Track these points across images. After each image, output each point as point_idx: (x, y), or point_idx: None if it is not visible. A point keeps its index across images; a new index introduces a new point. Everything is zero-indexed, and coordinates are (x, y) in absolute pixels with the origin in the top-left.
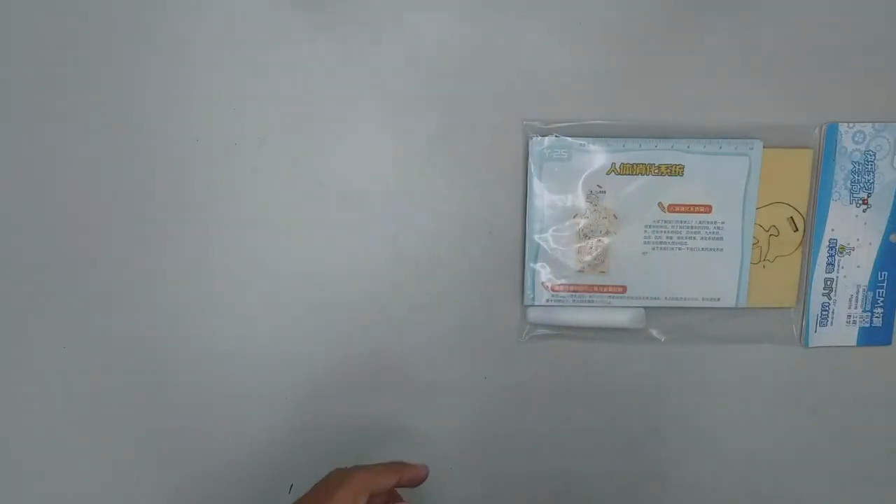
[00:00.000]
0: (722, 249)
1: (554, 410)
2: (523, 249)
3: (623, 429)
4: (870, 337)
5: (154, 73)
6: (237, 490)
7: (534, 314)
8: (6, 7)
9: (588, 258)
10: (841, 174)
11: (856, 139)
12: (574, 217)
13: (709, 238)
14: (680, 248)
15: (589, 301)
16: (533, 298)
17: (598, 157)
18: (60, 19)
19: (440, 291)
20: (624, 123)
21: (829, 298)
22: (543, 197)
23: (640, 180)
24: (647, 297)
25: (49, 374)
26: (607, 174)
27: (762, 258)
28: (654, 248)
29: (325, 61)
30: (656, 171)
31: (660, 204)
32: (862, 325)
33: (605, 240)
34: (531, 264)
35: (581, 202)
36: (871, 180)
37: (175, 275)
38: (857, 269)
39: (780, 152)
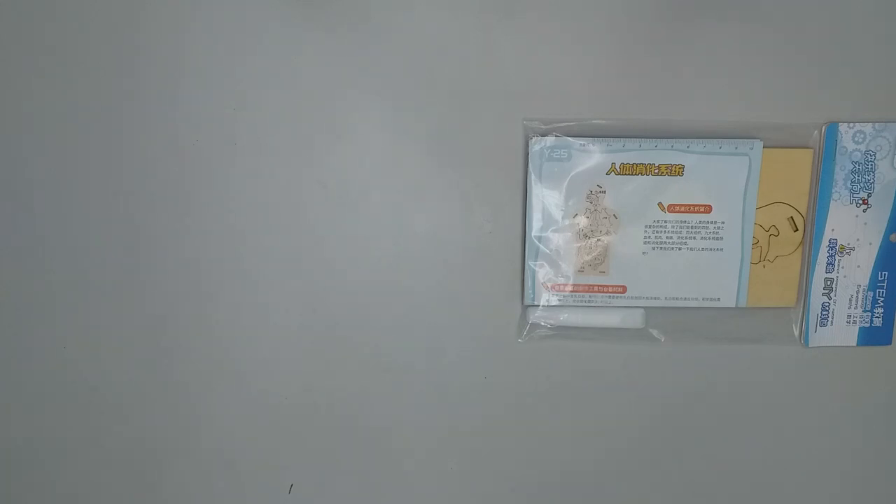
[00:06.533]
0: (722, 249)
1: (554, 410)
2: (523, 249)
3: (623, 429)
4: (870, 337)
5: (153, 73)
6: (237, 490)
7: (534, 314)
8: (6, 8)
9: (588, 258)
10: (841, 174)
11: (856, 139)
12: (574, 217)
13: (709, 238)
14: (680, 248)
15: (589, 301)
16: (533, 298)
17: (598, 157)
18: (59, 20)
19: (440, 291)
20: (624, 123)
21: (829, 298)
22: (543, 197)
23: (640, 180)
24: (647, 297)
25: (49, 374)
26: (607, 174)
27: (762, 258)
28: (654, 248)
29: (325, 61)
30: (656, 171)
31: (660, 204)
32: (862, 325)
33: (605, 240)
34: (531, 264)
35: (581, 202)
36: (872, 180)
37: (174, 275)
38: (857, 269)
39: (780, 152)
